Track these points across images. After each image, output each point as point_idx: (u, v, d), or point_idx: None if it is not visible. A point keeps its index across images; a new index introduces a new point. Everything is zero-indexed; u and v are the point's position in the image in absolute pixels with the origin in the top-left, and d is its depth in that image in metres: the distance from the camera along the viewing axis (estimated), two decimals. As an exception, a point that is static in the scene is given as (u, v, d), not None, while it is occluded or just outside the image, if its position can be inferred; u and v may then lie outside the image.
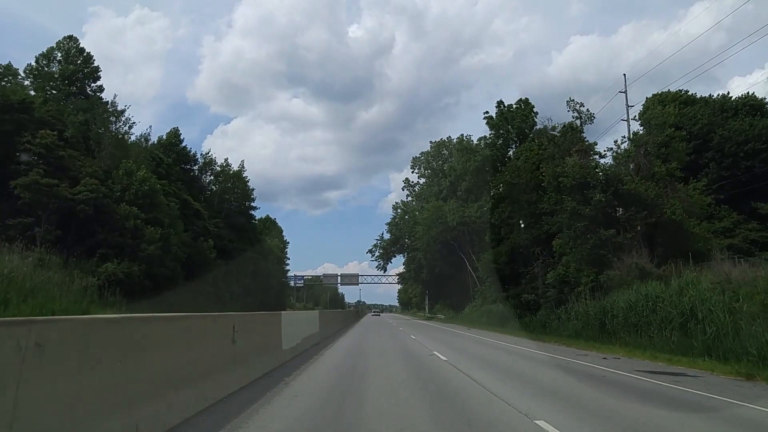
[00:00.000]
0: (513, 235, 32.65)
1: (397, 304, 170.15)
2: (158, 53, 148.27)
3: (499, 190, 34.46)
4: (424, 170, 61.99)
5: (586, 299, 23.21)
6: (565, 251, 25.92)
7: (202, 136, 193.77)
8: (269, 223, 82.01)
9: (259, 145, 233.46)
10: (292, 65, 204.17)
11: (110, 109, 36.76)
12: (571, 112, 29.65)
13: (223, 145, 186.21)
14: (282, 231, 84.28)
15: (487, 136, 45.14)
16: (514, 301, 32.02)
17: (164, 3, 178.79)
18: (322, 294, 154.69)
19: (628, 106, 36.78)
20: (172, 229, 33.90)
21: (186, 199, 46.55)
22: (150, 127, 42.56)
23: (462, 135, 44.89)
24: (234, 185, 61.83)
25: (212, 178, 59.93)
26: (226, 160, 60.86)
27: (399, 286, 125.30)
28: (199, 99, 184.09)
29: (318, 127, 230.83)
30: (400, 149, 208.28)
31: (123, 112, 38.77)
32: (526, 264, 31.44)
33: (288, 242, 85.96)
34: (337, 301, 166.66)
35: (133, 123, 39.24)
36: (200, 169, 58.98)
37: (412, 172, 61.59)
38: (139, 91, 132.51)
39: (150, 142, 43.25)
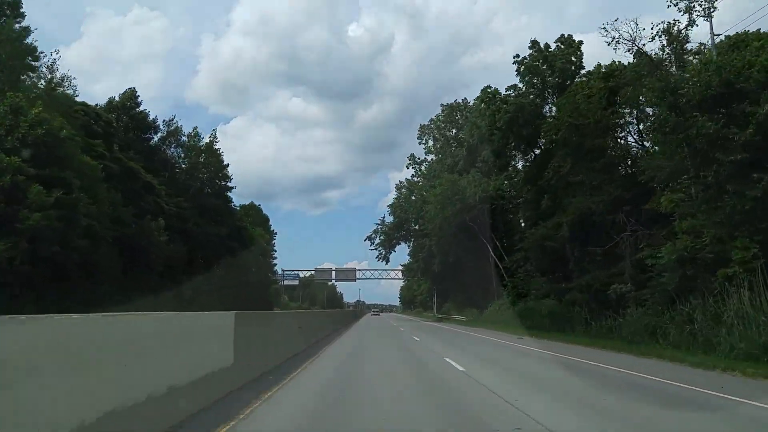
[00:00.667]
0: (577, 200, 22.45)
1: (398, 304, 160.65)
2: (157, 53, 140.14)
3: (554, 136, 24.28)
4: (434, 143, 51.63)
5: (745, 288, 13.09)
6: (689, 212, 15.77)
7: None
8: (253, 211, 71.87)
9: (259, 145, 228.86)
10: (292, 64, 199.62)
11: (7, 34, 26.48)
12: (672, 5, 19.33)
13: (222, 145, 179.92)
14: (269, 220, 74.07)
15: (519, 86, 34.92)
16: (580, 296, 21.86)
17: (163, 2, 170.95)
18: (319, 293, 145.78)
19: (713, 35, 26.63)
20: (84, 194, 23.68)
21: (132, 168, 36.34)
22: (58, 52, 31.19)
23: (487, 86, 34.66)
24: (206, 160, 51.62)
25: (177, 149, 49.60)
26: (195, 129, 50.63)
27: (401, 283, 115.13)
28: (199, 99, 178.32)
29: (318, 126, 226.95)
30: (399, 148, 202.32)
31: (33, 48, 28.73)
32: (599, 240, 21.30)
33: (276, 233, 75.69)
34: (335, 300, 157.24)
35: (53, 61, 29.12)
36: (163, 140, 48.73)
37: (420, 143, 51.42)
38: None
39: (69, 84, 32.87)
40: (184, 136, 50.14)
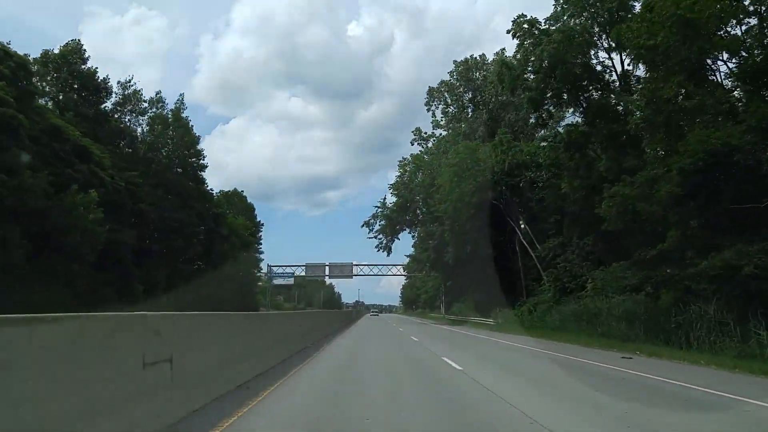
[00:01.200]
0: (695, 135, 14.06)
1: (398, 304, 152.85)
2: (156, 53, 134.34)
3: (650, 42, 15.92)
4: (445, 109, 43.05)
5: None
6: None
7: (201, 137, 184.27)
8: (237, 198, 63.51)
9: (258, 145, 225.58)
10: (291, 64, 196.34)
11: None
12: None
13: (222, 145, 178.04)
14: (254, 210, 65.42)
15: (560, 13, 26.46)
16: (706, 287, 13.53)
17: (162, 2, 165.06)
18: (315, 293, 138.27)
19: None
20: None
21: (58, 125, 28.02)
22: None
23: (521, 15, 26.07)
24: (174, 132, 43.30)
25: (137, 118, 41.21)
26: (158, 94, 42.22)
27: (402, 283, 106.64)
28: (198, 99, 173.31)
29: (317, 126, 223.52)
30: (399, 149, 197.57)
31: None
32: (742, 195, 12.98)
33: (262, 224, 67.02)
34: (333, 301, 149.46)
35: None
36: (119, 105, 40.39)
37: (428, 109, 42.80)
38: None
39: None
40: (145, 102, 41.76)
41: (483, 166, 32.65)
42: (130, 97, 40.15)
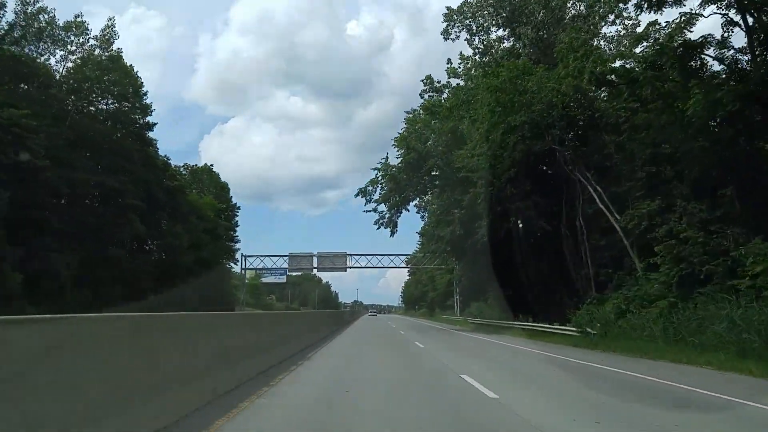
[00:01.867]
0: None
1: (396, 304, 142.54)
2: (154, 52, 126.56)
3: None
4: (461, 58, 31.97)
5: None
6: None
7: (200, 136, 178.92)
8: (207, 175, 52.34)
9: (258, 145, 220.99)
10: (290, 63, 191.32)
11: None
12: None
13: (221, 144, 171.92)
14: (228, 190, 53.82)
15: None
16: None
17: (161, 1, 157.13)
18: (310, 293, 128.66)
19: None
20: None
21: None
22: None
23: None
24: (105, 73, 32.18)
25: (42, 46, 30.05)
26: (77, 17, 30.82)
27: (407, 277, 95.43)
28: (196, 98, 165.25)
29: (316, 125, 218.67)
30: None
31: None
32: None
33: (239, 207, 55.46)
34: (330, 300, 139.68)
35: None
36: (21, 29, 29.26)
37: (445, 39, 30.81)
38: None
39: None
40: (60, 29, 30.64)
41: (537, 97, 21.65)
42: (35, 18, 29.01)
